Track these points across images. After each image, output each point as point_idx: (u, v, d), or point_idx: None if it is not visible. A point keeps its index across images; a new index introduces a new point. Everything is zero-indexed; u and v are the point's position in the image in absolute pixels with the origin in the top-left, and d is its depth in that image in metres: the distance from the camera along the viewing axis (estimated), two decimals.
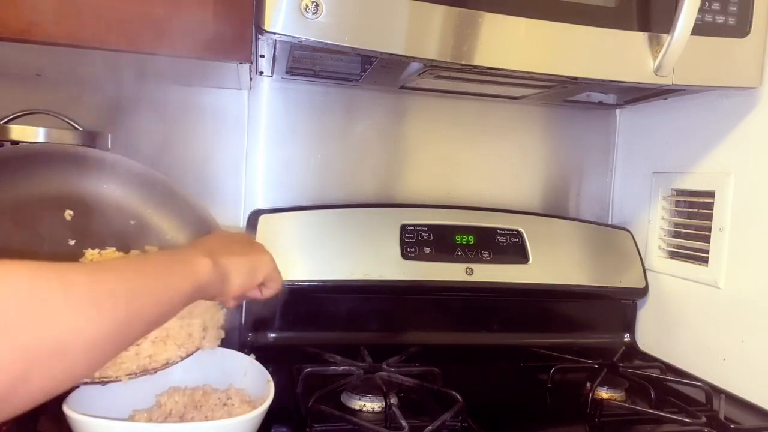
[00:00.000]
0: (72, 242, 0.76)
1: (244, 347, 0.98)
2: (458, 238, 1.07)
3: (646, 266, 1.14)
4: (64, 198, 0.77)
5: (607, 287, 1.12)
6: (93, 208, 0.79)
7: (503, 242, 1.09)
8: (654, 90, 1.01)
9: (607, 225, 1.22)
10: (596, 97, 1.15)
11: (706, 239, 1.00)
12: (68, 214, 0.76)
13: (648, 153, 1.17)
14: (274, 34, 0.70)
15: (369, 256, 1.01)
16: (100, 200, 0.80)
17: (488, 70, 0.79)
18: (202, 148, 1.07)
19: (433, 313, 1.09)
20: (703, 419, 0.78)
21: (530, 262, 1.08)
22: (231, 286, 0.60)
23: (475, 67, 0.77)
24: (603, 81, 0.83)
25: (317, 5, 0.70)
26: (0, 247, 0.72)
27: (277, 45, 0.84)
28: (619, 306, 1.17)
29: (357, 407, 0.79)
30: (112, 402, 0.65)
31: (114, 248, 0.76)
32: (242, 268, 0.62)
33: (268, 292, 0.69)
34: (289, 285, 0.99)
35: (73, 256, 0.75)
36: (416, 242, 1.04)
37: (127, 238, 0.79)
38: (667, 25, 0.79)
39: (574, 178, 1.25)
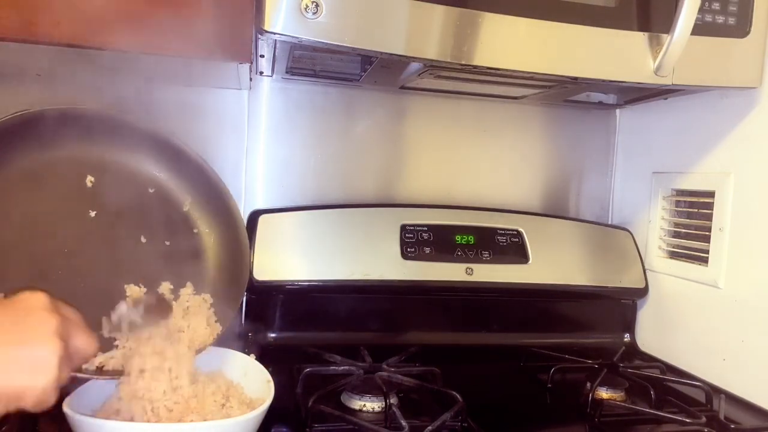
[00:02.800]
0: (92, 214, 0.75)
1: (244, 347, 0.97)
2: (458, 238, 1.07)
3: (646, 266, 1.14)
4: (86, 163, 0.76)
5: (607, 287, 1.12)
6: (114, 174, 0.77)
7: (503, 242, 1.09)
8: (654, 90, 1.01)
9: (607, 225, 1.22)
10: (596, 97, 1.15)
11: (706, 239, 1.00)
12: (89, 180, 0.75)
13: (648, 153, 1.17)
14: (274, 34, 0.70)
15: (369, 256, 1.01)
16: (122, 166, 0.79)
17: (488, 70, 0.79)
18: (202, 148, 1.05)
19: (433, 313, 1.09)
20: (703, 419, 0.78)
21: (530, 262, 1.08)
22: None
23: (475, 67, 0.77)
24: (603, 81, 0.83)
25: (317, 5, 0.70)
26: (22, 221, 0.71)
27: (277, 45, 0.84)
28: (619, 306, 1.17)
29: (357, 407, 0.79)
30: None
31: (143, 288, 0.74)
32: None
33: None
34: (289, 285, 0.99)
35: (94, 232, 0.74)
36: (416, 242, 1.04)
37: (145, 207, 0.78)
38: (667, 25, 0.79)
39: (574, 178, 1.25)
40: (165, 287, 0.75)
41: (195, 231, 0.83)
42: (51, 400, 0.48)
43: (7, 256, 0.69)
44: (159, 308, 0.71)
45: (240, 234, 0.84)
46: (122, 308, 0.68)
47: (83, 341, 0.52)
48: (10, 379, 0.45)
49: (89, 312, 0.67)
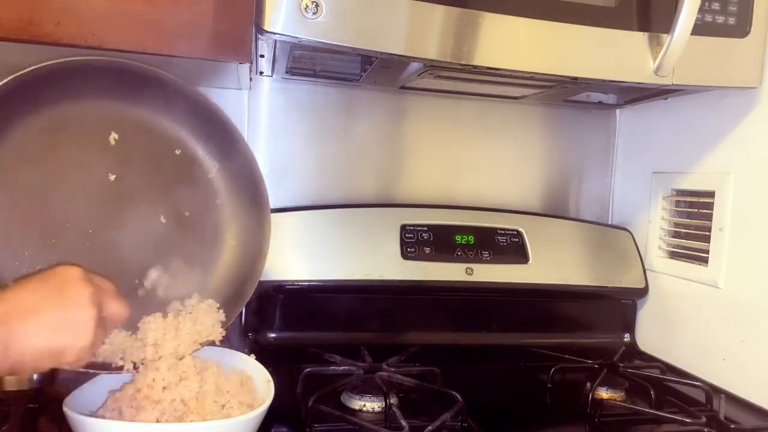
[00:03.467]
0: (112, 177, 0.72)
1: (244, 347, 0.98)
2: (458, 238, 1.07)
3: (646, 266, 1.14)
4: (111, 118, 0.72)
5: (607, 287, 1.12)
6: (140, 131, 0.74)
7: (503, 242, 1.09)
8: (654, 90, 1.01)
9: (607, 225, 1.22)
10: (596, 97, 1.15)
11: (706, 239, 1.00)
12: (113, 137, 0.72)
13: (648, 153, 1.17)
14: (274, 34, 0.71)
15: (369, 256, 1.01)
16: (149, 124, 0.74)
17: (488, 70, 0.79)
18: None
19: (433, 313, 1.09)
20: (703, 419, 0.78)
21: (530, 262, 1.08)
22: (23, 371, 0.51)
23: (475, 67, 0.77)
24: (603, 81, 0.83)
25: (317, 5, 0.70)
26: (39, 183, 0.67)
27: (277, 45, 0.84)
28: (619, 306, 1.17)
29: (357, 407, 0.79)
30: None
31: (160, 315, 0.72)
32: (42, 353, 0.51)
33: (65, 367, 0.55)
34: (289, 285, 0.99)
35: (111, 198, 0.71)
36: (416, 242, 1.04)
37: (168, 171, 0.75)
38: (667, 25, 0.79)
39: (574, 178, 1.25)
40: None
41: (218, 202, 0.79)
42: (87, 358, 0.55)
43: (20, 219, 0.67)
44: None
45: (263, 217, 0.81)
46: (153, 275, 0.68)
47: (115, 307, 0.57)
48: (54, 340, 0.51)
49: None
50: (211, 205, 0.79)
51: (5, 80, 0.61)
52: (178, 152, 0.76)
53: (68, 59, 0.65)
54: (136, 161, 0.74)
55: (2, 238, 0.66)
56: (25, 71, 0.62)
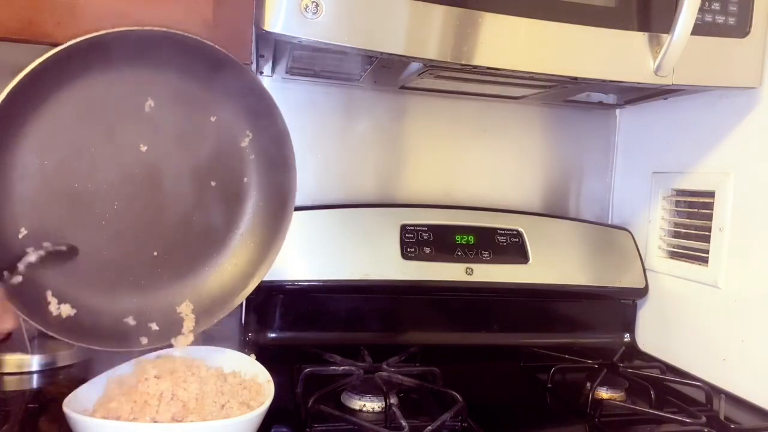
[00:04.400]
0: (144, 148, 0.71)
1: (244, 347, 0.98)
2: (458, 238, 1.07)
3: (646, 266, 1.14)
4: (148, 85, 0.71)
5: (607, 287, 1.12)
6: (177, 98, 0.73)
7: (503, 242, 1.09)
8: (654, 90, 1.01)
9: (607, 225, 1.22)
10: (596, 97, 1.15)
11: (706, 239, 1.00)
12: (149, 104, 0.71)
13: (648, 153, 1.17)
14: (274, 34, 0.71)
15: (369, 256, 1.01)
16: (186, 91, 0.73)
17: (488, 70, 0.79)
18: None
19: (433, 313, 1.09)
20: (703, 419, 0.78)
21: (530, 262, 1.08)
22: None
23: (475, 67, 0.77)
24: (603, 81, 0.83)
25: (317, 5, 0.70)
26: (68, 152, 0.67)
27: (277, 45, 0.84)
28: (619, 306, 1.17)
29: (357, 407, 0.79)
30: None
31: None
32: None
33: None
34: (289, 285, 0.99)
35: (141, 170, 0.70)
36: (416, 242, 1.04)
37: (200, 136, 0.74)
38: (667, 25, 0.79)
39: (574, 178, 1.25)
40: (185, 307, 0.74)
41: (245, 180, 0.78)
42: None
43: (45, 188, 0.67)
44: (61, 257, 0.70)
45: (288, 199, 0.78)
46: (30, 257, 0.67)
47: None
48: None
49: (118, 253, 0.71)
50: (238, 175, 0.78)
51: (46, 56, 0.61)
52: (213, 119, 0.75)
53: (106, 32, 0.65)
54: (169, 128, 0.73)
55: (31, 206, 0.66)
56: (65, 46, 0.62)
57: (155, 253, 0.74)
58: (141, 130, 0.72)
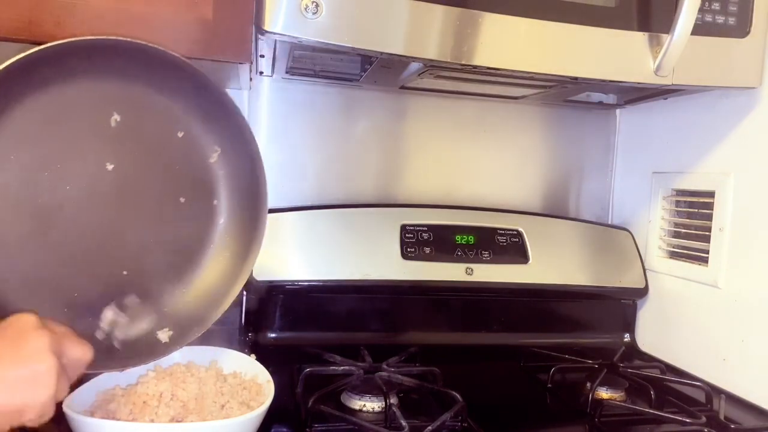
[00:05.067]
0: (110, 167, 0.69)
1: (244, 347, 0.98)
2: (458, 238, 1.07)
3: (646, 266, 1.14)
4: (113, 99, 0.69)
5: (607, 287, 1.12)
6: (143, 112, 0.71)
7: (503, 242, 1.09)
8: (654, 90, 1.01)
9: (607, 225, 1.22)
10: (596, 97, 1.15)
11: (706, 239, 1.00)
12: (114, 119, 0.69)
13: (648, 153, 1.17)
14: (274, 34, 0.71)
15: (369, 256, 1.01)
16: (153, 104, 0.71)
17: (488, 70, 0.79)
18: None
19: (433, 313, 1.09)
20: (703, 419, 0.78)
21: (530, 262, 1.08)
22: None
23: (475, 67, 0.77)
24: (603, 81, 0.83)
25: (317, 5, 0.70)
26: (30, 165, 0.64)
27: (277, 45, 0.84)
28: (619, 306, 1.17)
29: (357, 407, 0.79)
30: None
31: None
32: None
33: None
34: (289, 285, 0.99)
35: (107, 188, 0.68)
36: (416, 242, 1.04)
37: (167, 152, 0.72)
38: (667, 25, 0.79)
39: (574, 178, 1.25)
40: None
41: (215, 195, 0.77)
42: (50, 413, 0.50)
43: (12, 204, 0.64)
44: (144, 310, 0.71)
45: (261, 200, 0.78)
46: (108, 314, 0.68)
47: (77, 352, 0.53)
48: (11, 397, 0.47)
49: (87, 273, 0.68)
50: (209, 190, 0.76)
51: (7, 62, 0.59)
52: (180, 134, 0.73)
53: (72, 40, 0.63)
54: (136, 144, 0.71)
55: None
56: (28, 53, 0.60)
57: (125, 273, 0.71)
58: (107, 145, 0.69)
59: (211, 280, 0.76)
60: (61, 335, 0.52)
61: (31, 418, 0.49)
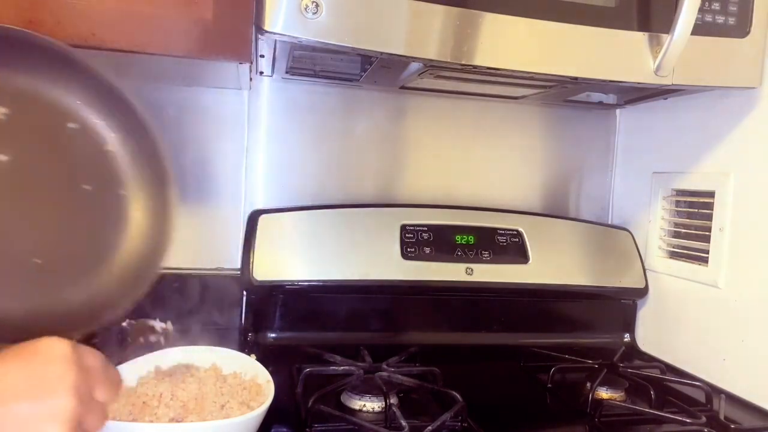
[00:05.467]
0: (4, 158, 0.66)
1: (244, 347, 0.98)
2: (458, 238, 1.07)
3: (646, 266, 1.14)
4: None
5: (607, 287, 1.12)
6: (31, 105, 0.69)
7: (503, 242, 1.09)
8: (654, 90, 1.01)
9: (607, 225, 1.22)
10: (596, 97, 1.15)
11: (706, 239, 1.00)
12: (2, 112, 0.67)
13: (648, 153, 1.17)
14: (274, 34, 0.71)
15: (369, 256, 1.01)
16: (41, 97, 0.69)
17: (488, 70, 0.79)
18: (202, 148, 1.07)
19: (433, 313, 1.09)
20: (703, 419, 0.78)
21: (530, 262, 1.08)
22: None
23: (475, 67, 0.77)
24: (603, 81, 0.83)
25: (317, 5, 0.70)
26: None
27: (277, 45, 0.84)
28: (619, 306, 1.17)
29: (357, 407, 0.79)
30: None
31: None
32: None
33: None
34: (289, 285, 0.99)
35: (3, 183, 0.66)
36: (416, 242, 1.04)
37: (61, 143, 0.70)
38: (667, 25, 0.79)
39: (574, 178, 1.25)
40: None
41: (120, 179, 0.74)
42: None
43: None
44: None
45: (167, 187, 0.75)
46: None
47: (105, 392, 0.51)
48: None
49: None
50: (112, 174, 0.74)
51: None
52: (72, 125, 0.71)
53: None
54: (28, 136, 0.69)
55: None
56: None
57: (38, 261, 0.68)
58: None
59: (125, 266, 0.74)
60: (91, 373, 0.50)
61: None
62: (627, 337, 1.17)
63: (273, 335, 1.02)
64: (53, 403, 0.45)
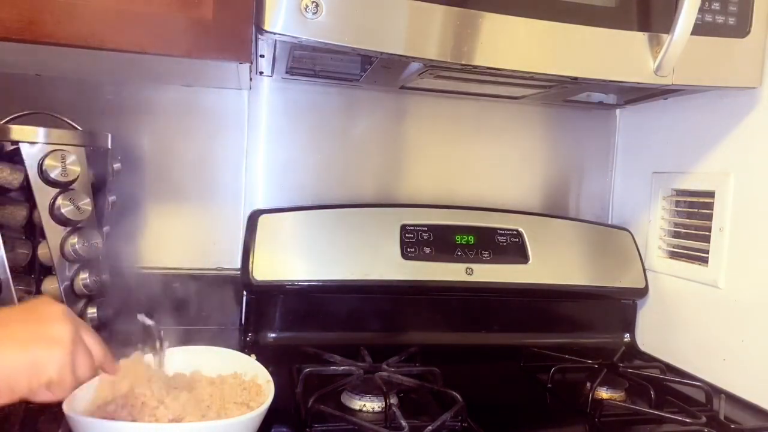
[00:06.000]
0: None
1: (244, 347, 0.98)
2: (458, 238, 1.07)
3: (646, 266, 1.14)
4: None
5: (607, 287, 1.12)
6: None
7: (503, 242, 1.09)
8: (654, 90, 1.01)
9: (607, 225, 1.22)
10: (596, 97, 1.15)
11: (706, 239, 1.00)
12: None
13: (648, 153, 1.17)
14: (274, 34, 0.71)
15: (369, 256, 1.01)
16: None
17: (488, 70, 0.79)
18: (202, 148, 1.07)
19: (433, 313, 1.09)
20: (703, 419, 0.78)
21: (530, 262, 1.08)
22: None
23: (475, 67, 0.77)
24: (603, 81, 0.83)
25: (317, 5, 0.70)
26: None
27: (277, 45, 0.84)
28: (619, 306, 1.17)
29: (357, 407, 0.79)
30: None
31: None
32: (14, 368, 0.47)
33: (47, 396, 0.51)
34: (289, 285, 0.99)
35: None
36: (416, 242, 1.04)
37: None
38: (667, 25, 0.79)
39: (574, 178, 1.25)
40: None
41: None
42: (69, 380, 0.50)
43: None
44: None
45: None
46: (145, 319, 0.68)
47: (92, 339, 0.54)
48: (28, 351, 0.48)
49: None
50: None
51: None
52: None
53: None
54: None
55: None
56: None
57: None
58: None
59: None
60: (83, 325, 0.54)
61: (51, 379, 0.49)
62: (627, 337, 1.17)
63: (273, 335, 1.02)
64: (52, 326, 0.50)
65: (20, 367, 0.47)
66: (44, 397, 0.50)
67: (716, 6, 0.83)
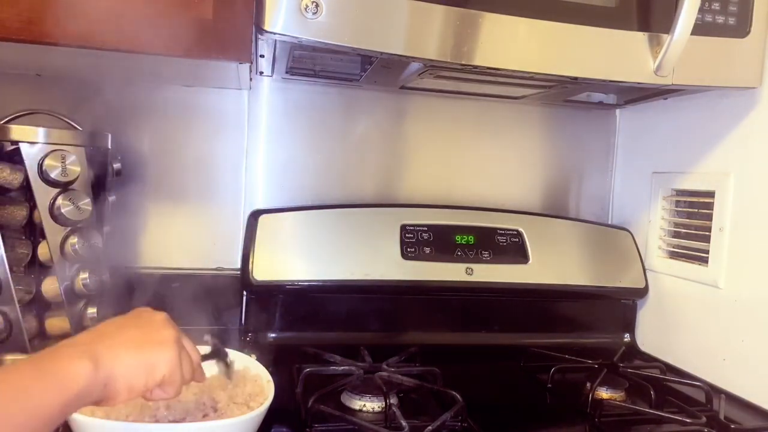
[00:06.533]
0: None
1: (244, 347, 0.98)
2: (458, 238, 1.07)
3: (646, 266, 1.14)
4: None
5: (607, 287, 1.12)
6: None
7: (503, 242, 1.09)
8: (654, 90, 1.01)
9: (607, 225, 1.22)
10: (596, 97, 1.15)
11: (706, 239, 1.00)
12: None
13: (648, 153, 1.17)
14: (274, 34, 0.71)
15: (369, 256, 1.01)
16: None
17: (488, 70, 0.79)
18: (202, 148, 1.07)
19: (433, 313, 1.09)
20: (703, 419, 0.78)
21: (530, 262, 1.08)
22: (116, 392, 0.50)
23: (475, 67, 0.77)
24: (603, 81, 0.83)
25: (317, 5, 0.70)
26: None
27: (277, 45, 0.84)
28: (619, 306, 1.17)
29: (357, 407, 0.79)
30: None
31: None
32: (132, 368, 0.51)
33: (160, 395, 0.55)
34: (289, 285, 0.99)
35: None
36: (416, 242, 1.04)
37: None
38: (667, 25, 0.79)
39: (574, 178, 1.25)
40: None
41: None
42: (178, 379, 0.54)
43: None
44: None
45: None
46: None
47: (190, 344, 0.59)
48: (143, 352, 0.52)
49: None
50: None
51: None
52: None
53: None
54: None
55: None
56: None
57: None
58: None
59: None
60: (182, 337, 0.58)
61: (164, 377, 0.53)
62: (627, 337, 1.17)
63: (273, 335, 1.02)
64: (160, 331, 0.55)
65: (138, 367, 0.52)
66: (157, 394, 0.55)
67: (716, 6, 0.83)
